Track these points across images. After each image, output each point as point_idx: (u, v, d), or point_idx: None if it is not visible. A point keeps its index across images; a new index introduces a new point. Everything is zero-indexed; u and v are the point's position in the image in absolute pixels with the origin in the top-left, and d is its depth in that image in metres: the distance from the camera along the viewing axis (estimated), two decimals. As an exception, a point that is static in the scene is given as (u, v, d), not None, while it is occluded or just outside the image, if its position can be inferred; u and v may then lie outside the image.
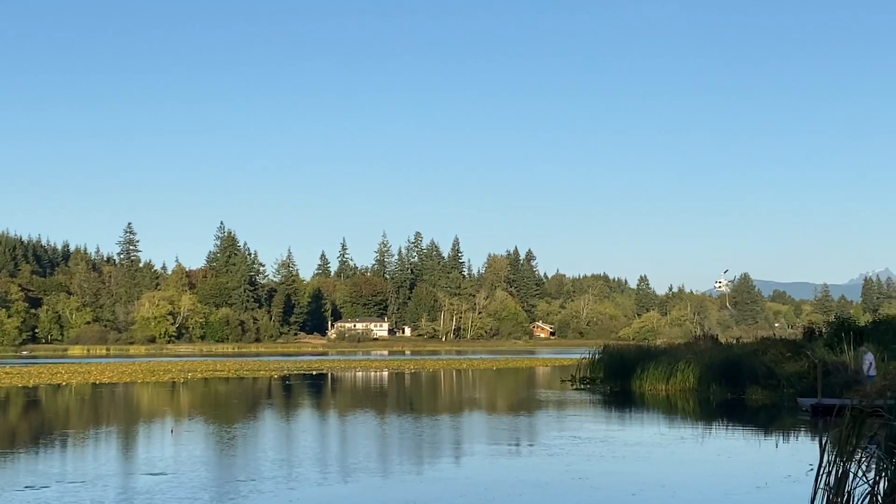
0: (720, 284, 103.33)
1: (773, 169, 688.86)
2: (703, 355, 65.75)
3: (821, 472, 17.32)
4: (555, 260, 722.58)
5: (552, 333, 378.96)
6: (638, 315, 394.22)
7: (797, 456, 32.45)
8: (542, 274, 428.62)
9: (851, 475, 17.21)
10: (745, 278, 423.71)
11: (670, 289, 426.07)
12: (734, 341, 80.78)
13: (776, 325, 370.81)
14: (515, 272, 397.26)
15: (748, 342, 76.03)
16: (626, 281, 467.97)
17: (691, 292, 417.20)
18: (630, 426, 43.36)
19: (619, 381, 68.31)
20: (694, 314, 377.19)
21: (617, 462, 30.64)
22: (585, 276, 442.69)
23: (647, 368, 66.08)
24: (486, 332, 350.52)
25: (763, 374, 58.19)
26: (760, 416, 48.30)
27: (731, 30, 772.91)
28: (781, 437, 37.91)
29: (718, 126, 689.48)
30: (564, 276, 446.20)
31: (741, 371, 59.18)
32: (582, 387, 70.27)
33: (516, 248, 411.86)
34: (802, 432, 40.33)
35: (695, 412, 50.86)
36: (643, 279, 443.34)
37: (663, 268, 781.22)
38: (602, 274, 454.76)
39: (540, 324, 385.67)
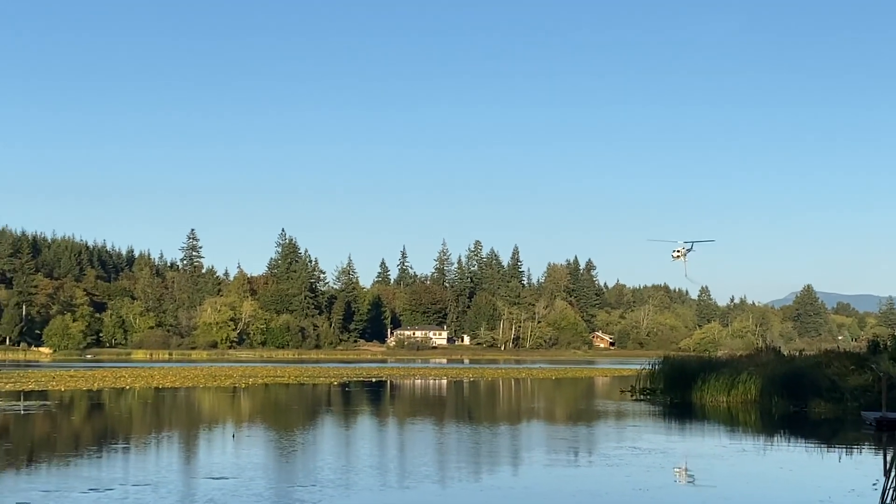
0: (677, 254, 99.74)
1: (837, 179, 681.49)
2: (765, 367, 65.04)
3: (887, 487, 17.12)
4: (615, 270, 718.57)
5: (612, 344, 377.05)
6: (699, 326, 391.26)
7: (861, 470, 32.03)
8: (601, 284, 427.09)
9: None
10: (807, 290, 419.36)
11: (732, 300, 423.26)
12: (797, 353, 79.85)
13: (839, 337, 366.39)
14: (575, 282, 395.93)
15: (811, 354, 75.08)
16: (686, 292, 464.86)
17: (753, 304, 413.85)
18: (690, 438, 43.05)
19: (679, 392, 67.76)
20: (756, 326, 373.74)
21: (677, 474, 30.42)
22: (646, 287, 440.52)
23: (707, 380, 65.51)
24: (545, 341, 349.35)
25: (826, 386, 57.51)
26: (823, 429, 47.72)
27: (784, 41, 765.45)
28: (845, 451, 37.42)
29: (780, 136, 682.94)
30: (624, 286, 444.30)
31: (804, 384, 58.52)
32: (641, 398, 69.82)
33: (576, 257, 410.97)
34: (866, 446, 39.80)
35: (756, 425, 50.37)
36: (704, 290, 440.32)
37: (725, 279, 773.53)
38: (662, 284, 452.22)
39: (599, 334, 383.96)
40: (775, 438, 43.38)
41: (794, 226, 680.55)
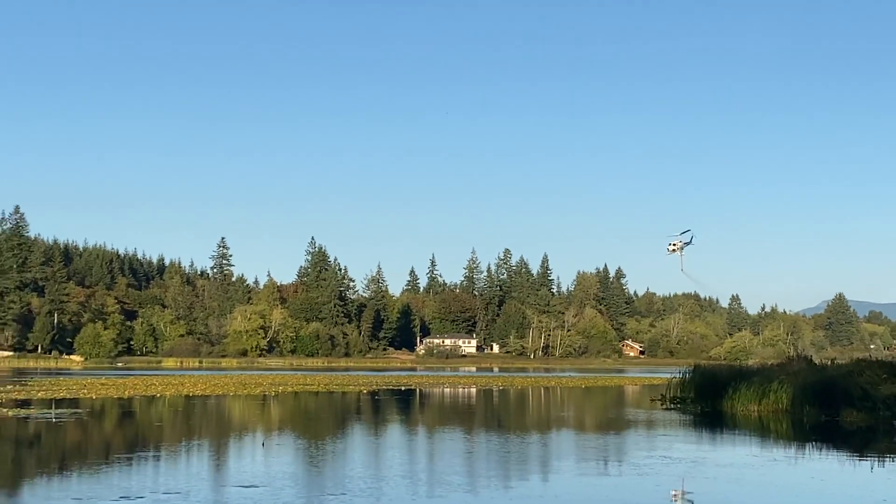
0: (673, 247, 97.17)
1: (868, 187, 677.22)
2: (796, 376, 64.58)
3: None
4: (645, 278, 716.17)
5: (642, 352, 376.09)
6: (729, 334, 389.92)
7: (894, 480, 31.80)
8: (631, 292, 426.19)
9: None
10: (839, 298, 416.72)
11: (763, 308, 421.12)
12: (828, 362, 79.25)
13: (871, 346, 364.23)
14: (605, 290, 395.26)
15: (843, 363, 74.49)
16: (717, 300, 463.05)
17: (784, 312, 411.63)
18: (721, 447, 42.81)
19: (710, 401, 67.35)
20: (787, 334, 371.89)
21: (708, 483, 30.26)
22: (676, 295, 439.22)
23: (738, 389, 65.09)
24: (574, 349, 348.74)
25: (858, 396, 57.04)
26: (855, 438, 47.34)
27: (817, 47, 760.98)
28: (877, 461, 37.10)
29: (813, 144, 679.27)
30: (654, 294, 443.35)
31: (836, 393, 58.07)
32: (672, 406, 69.50)
33: (606, 265, 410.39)
34: (899, 456, 39.47)
35: (788, 434, 50.04)
36: (735, 298, 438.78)
37: (756, 287, 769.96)
38: (693, 293, 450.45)
39: (629, 342, 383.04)
40: (807, 448, 43.06)
41: (825, 234, 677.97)
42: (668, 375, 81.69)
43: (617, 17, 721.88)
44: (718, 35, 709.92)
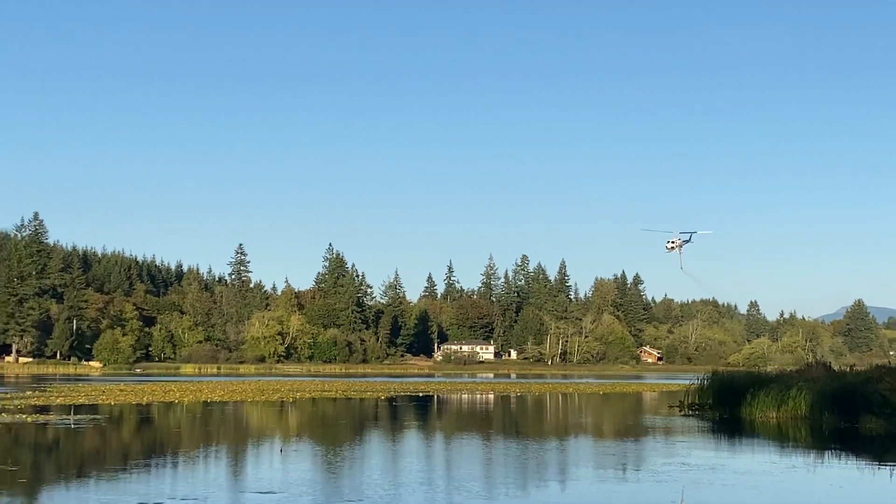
0: (672, 245, 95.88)
1: (888, 192, 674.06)
2: (815, 383, 64.31)
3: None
4: (662, 284, 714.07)
5: (660, 358, 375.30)
6: (748, 341, 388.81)
7: (913, 488, 31.64)
8: (649, 298, 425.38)
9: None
10: (858, 305, 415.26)
11: (781, 315, 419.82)
12: (847, 369, 78.89)
13: (891, 352, 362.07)
14: (623, 296, 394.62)
15: (862, 370, 74.12)
16: (735, 306, 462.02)
17: (803, 318, 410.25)
18: (740, 454, 42.69)
19: (728, 407, 67.17)
20: (806, 341, 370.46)
21: (726, 490, 30.17)
22: (694, 301, 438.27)
23: (757, 395, 64.85)
24: (592, 356, 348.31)
25: (878, 402, 56.75)
26: (875, 445, 47.12)
27: (836, 56, 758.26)
28: (897, 468, 36.98)
29: (831, 150, 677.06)
30: (672, 300, 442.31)
31: (855, 399, 57.80)
32: (690, 413, 69.36)
33: (623, 271, 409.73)
34: (919, 463, 39.29)
35: (807, 441, 49.86)
36: (753, 304, 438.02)
37: (774, 293, 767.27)
38: (711, 299, 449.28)
39: (647, 348, 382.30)
40: (826, 455, 42.86)
41: (844, 240, 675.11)
42: (687, 382, 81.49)
43: (634, 20, 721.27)
44: (741, 39, 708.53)
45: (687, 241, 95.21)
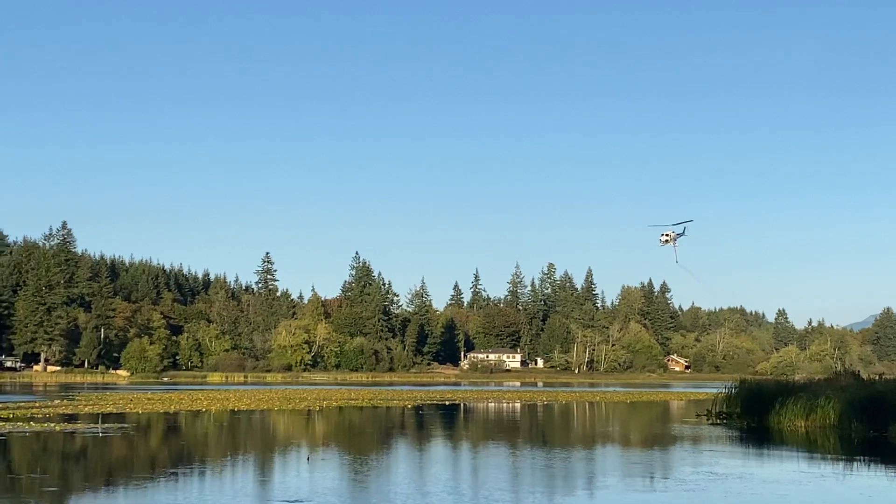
0: (666, 238, 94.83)
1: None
2: (844, 391, 63.97)
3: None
4: (690, 292, 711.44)
5: (687, 367, 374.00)
6: (776, 349, 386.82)
7: (944, 497, 31.40)
8: (676, 306, 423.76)
9: None
10: (887, 313, 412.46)
11: (809, 323, 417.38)
12: (876, 377, 78.51)
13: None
14: (650, 304, 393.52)
15: (891, 378, 73.83)
16: (763, 314, 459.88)
17: (832, 327, 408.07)
18: (768, 463, 42.48)
19: (756, 416, 66.92)
20: (834, 349, 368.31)
21: (755, 500, 30.02)
22: (721, 310, 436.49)
23: (785, 404, 64.58)
24: (619, 364, 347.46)
25: (907, 411, 56.45)
26: (904, 454, 46.85)
27: (867, 61, 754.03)
28: (927, 478, 36.72)
29: (860, 156, 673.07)
30: (700, 308, 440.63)
31: (884, 408, 57.46)
32: (718, 422, 69.08)
33: (650, 279, 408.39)
34: (949, 473, 39.00)
35: (835, 449, 49.55)
36: (781, 313, 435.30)
37: (802, 301, 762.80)
38: (738, 307, 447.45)
39: (674, 357, 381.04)
40: (855, 464, 42.61)
41: (873, 247, 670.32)
42: (714, 390, 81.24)
43: (670, 28, 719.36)
44: (774, 47, 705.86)
45: (681, 235, 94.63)
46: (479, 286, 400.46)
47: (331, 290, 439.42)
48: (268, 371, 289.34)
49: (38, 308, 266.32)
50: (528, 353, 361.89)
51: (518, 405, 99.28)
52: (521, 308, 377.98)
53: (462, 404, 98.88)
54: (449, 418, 76.92)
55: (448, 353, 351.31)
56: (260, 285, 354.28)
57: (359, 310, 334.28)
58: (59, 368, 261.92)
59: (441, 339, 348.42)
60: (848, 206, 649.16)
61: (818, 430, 59.70)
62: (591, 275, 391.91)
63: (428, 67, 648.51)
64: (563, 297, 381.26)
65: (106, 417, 67.79)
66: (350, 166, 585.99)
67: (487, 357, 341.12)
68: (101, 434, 52.61)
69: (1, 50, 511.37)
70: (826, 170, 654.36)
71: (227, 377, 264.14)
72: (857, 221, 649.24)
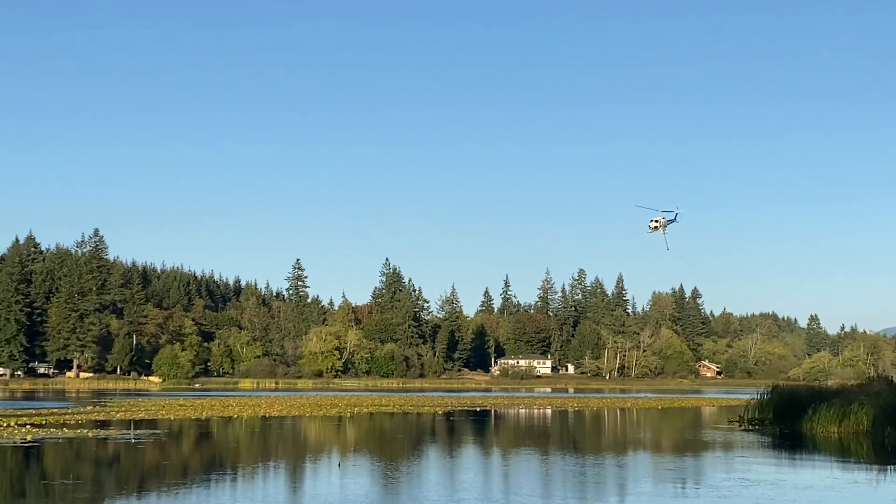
0: (655, 224, 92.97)
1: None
2: (877, 397, 63.53)
3: None
4: (721, 298, 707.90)
5: (719, 373, 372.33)
6: (808, 355, 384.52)
7: (979, 504, 31.14)
8: (708, 312, 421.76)
9: None
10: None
11: (842, 328, 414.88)
12: (910, 383, 77.79)
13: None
14: (681, 310, 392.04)
15: (925, 384, 73.11)
16: (795, 320, 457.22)
17: (864, 332, 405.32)
18: (801, 469, 42.24)
19: (788, 422, 66.50)
20: (867, 355, 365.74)
21: (787, 506, 29.86)
22: (753, 315, 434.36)
23: (818, 410, 64.13)
24: (650, 370, 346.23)
25: (941, 417, 55.98)
26: (939, 461, 46.45)
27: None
28: (962, 485, 36.40)
29: (891, 161, 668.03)
30: (731, 314, 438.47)
31: (918, 414, 57.04)
32: (750, 428, 68.75)
33: (681, 285, 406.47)
34: (985, 479, 38.67)
35: (869, 456, 49.21)
36: (814, 318, 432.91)
37: (835, 307, 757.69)
38: (770, 313, 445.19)
39: (706, 363, 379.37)
40: (889, 470, 42.33)
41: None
42: (746, 396, 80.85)
43: (689, 36, 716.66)
44: (804, 52, 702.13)
45: (671, 221, 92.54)
46: (509, 292, 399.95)
47: (361, 297, 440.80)
48: (299, 377, 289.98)
49: (70, 315, 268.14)
50: (559, 360, 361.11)
51: (549, 411, 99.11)
52: (551, 314, 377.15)
53: (493, 410, 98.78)
54: (480, 425, 76.88)
55: (478, 359, 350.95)
56: (291, 292, 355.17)
57: (389, 316, 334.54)
58: (91, 375, 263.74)
59: (471, 346, 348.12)
60: (882, 211, 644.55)
61: (851, 437, 59.31)
62: (622, 281, 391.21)
63: (459, 76, 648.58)
64: (594, 303, 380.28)
65: (138, 424, 68.16)
66: (381, 173, 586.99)
67: (518, 363, 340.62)
68: (133, 440, 52.89)
69: (33, 59, 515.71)
70: (861, 175, 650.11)
71: (258, 383, 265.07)
72: (891, 226, 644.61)
